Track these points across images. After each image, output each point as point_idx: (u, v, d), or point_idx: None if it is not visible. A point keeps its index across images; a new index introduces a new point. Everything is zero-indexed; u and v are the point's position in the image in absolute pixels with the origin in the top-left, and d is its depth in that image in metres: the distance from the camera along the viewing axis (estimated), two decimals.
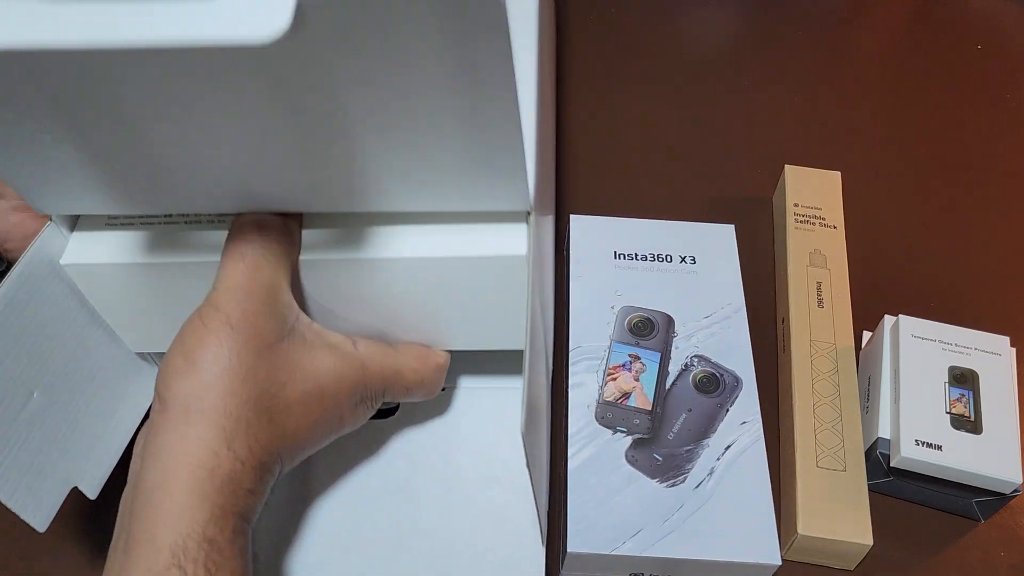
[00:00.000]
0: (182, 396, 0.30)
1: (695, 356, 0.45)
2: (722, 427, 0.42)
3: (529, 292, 0.32)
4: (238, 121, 0.27)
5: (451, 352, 0.39)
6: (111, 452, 0.38)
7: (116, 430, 0.38)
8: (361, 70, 0.24)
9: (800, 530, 0.40)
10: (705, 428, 0.42)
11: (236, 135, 0.27)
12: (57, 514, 0.34)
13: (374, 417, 0.39)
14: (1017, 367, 0.44)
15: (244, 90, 0.25)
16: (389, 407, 0.43)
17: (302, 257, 0.34)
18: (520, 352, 0.32)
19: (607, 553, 0.38)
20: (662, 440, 0.42)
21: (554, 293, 0.49)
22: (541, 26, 0.41)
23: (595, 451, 0.41)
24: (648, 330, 0.46)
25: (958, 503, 0.43)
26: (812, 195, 0.53)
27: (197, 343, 0.30)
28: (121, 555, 0.29)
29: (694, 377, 0.44)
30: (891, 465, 0.41)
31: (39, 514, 0.33)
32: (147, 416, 0.34)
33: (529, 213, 0.34)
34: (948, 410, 0.42)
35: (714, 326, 0.46)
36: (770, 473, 0.41)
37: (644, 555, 0.38)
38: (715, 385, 0.44)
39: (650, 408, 0.43)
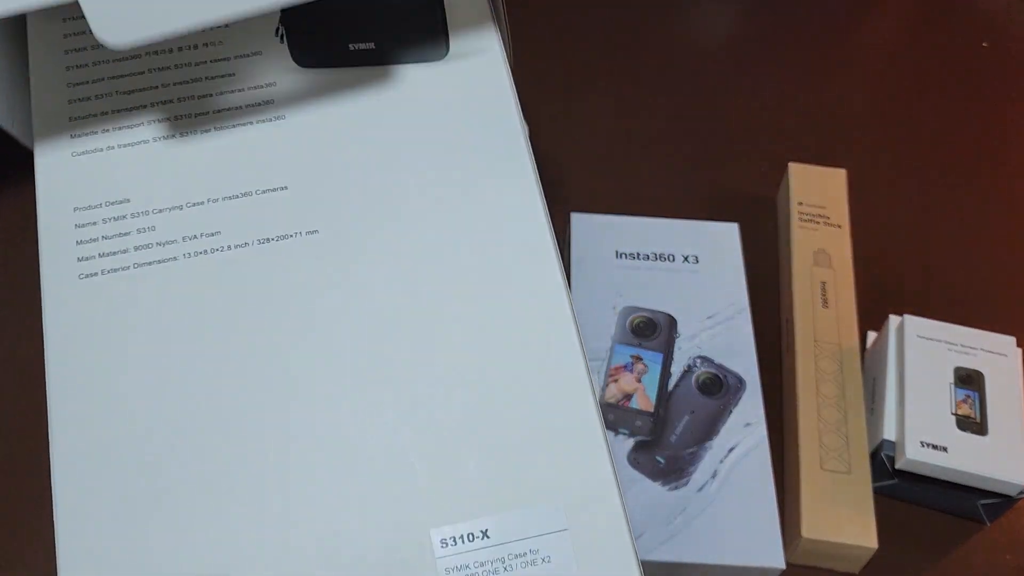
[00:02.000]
0: None
1: (698, 357, 0.45)
2: (725, 429, 0.42)
3: None
4: None
5: None
6: None
7: None
8: None
9: (804, 533, 0.39)
10: (708, 430, 0.42)
11: None
12: None
13: None
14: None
15: None
16: None
17: None
18: None
19: None
20: (664, 442, 0.42)
21: None
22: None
23: None
24: (650, 331, 0.46)
25: (963, 505, 0.43)
26: (816, 194, 0.52)
27: None
28: None
29: (697, 378, 0.44)
30: (896, 467, 0.41)
31: None
32: None
33: None
34: (954, 411, 0.41)
35: (717, 327, 0.46)
36: (774, 475, 0.41)
37: (647, 559, 0.38)
38: (718, 386, 0.43)
39: (652, 410, 0.43)
